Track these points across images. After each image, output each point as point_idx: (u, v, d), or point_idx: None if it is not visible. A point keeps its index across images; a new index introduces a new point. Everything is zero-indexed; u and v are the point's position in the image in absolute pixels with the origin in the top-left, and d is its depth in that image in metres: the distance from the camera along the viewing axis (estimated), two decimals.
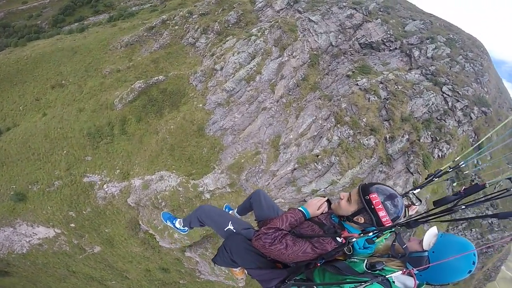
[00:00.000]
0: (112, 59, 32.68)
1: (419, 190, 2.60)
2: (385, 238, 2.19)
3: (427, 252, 1.91)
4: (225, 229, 2.83)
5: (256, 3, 30.29)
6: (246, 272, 2.92)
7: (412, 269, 1.79)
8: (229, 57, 24.47)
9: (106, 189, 24.18)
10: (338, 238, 2.09)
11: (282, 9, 28.00)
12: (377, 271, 1.88)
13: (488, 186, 1.90)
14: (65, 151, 26.24)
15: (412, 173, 18.87)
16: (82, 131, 25.73)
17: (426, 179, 2.65)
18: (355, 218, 2.13)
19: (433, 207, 1.97)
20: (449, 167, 2.58)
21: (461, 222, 21.76)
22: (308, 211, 2.48)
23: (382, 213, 1.96)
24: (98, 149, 24.93)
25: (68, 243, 25.25)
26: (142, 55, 31.85)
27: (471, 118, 21.40)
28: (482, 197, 1.72)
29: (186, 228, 3.49)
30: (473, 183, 2.13)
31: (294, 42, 23.26)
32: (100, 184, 24.28)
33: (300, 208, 2.51)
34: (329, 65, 23.28)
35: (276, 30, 23.68)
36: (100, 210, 24.41)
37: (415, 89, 21.17)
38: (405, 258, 1.91)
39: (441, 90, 21.85)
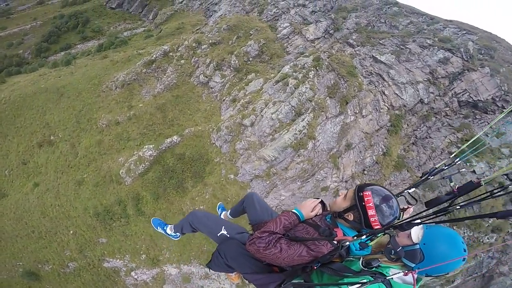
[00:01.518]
0: (107, 105, 27.58)
1: (414, 189, 2.54)
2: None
3: (418, 245, 1.91)
4: (218, 234, 2.75)
5: (279, 28, 24.97)
6: (242, 277, 2.78)
7: (415, 270, 1.75)
8: (260, 107, 19.44)
9: (135, 276, 20.18)
10: (333, 241, 2.03)
11: (317, 38, 22.67)
12: (374, 268, 1.87)
13: (483, 184, 1.62)
14: (71, 231, 21.80)
15: None
16: (87, 211, 21.06)
17: (421, 177, 2.52)
18: (345, 214, 2.11)
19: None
20: (444, 164, 2.45)
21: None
22: (302, 213, 2.41)
23: (371, 212, 1.93)
24: (112, 231, 20.38)
25: None
26: (143, 99, 26.77)
27: None
28: (477, 196, 1.53)
29: (178, 234, 3.41)
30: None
31: (359, 93, 17.87)
32: (126, 270, 20.27)
33: (294, 210, 2.44)
34: (415, 130, 17.97)
35: (326, 72, 18.28)
36: None
37: None
38: (395, 254, 1.83)
39: None
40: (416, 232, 1.94)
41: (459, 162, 2.49)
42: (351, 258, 2.07)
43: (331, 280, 2.05)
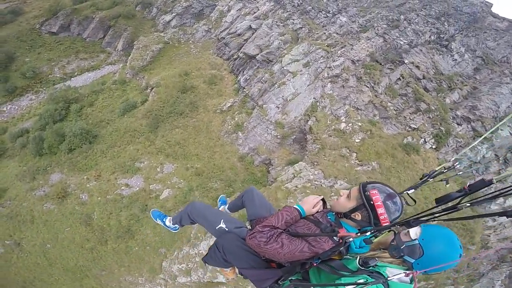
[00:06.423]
0: None
1: (413, 190, 2.43)
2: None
3: (417, 240, 1.85)
4: (216, 227, 2.69)
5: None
6: (238, 272, 2.76)
7: (416, 271, 1.70)
8: None
9: None
10: (335, 237, 2.00)
11: None
12: (371, 267, 1.81)
13: (495, 181, 1.58)
14: None
15: None
16: None
17: (421, 179, 2.46)
18: (352, 214, 2.07)
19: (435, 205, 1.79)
20: (444, 167, 2.41)
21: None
22: (304, 209, 2.38)
23: (380, 210, 1.91)
24: None
25: None
26: None
27: None
28: (488, 194, 1.49)
29: (177, 226, 3.29)
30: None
31: None
32: None
33: (295, 206, 2.41)
34: None
35: None
36: None
37: None
38: (398, 252, 1.84)
39: None
40: (414, 229, 1.86)
41: (458, 166, 2.47)
42: (348, 257, 1.99)
43: (329, 280, 2.01)
